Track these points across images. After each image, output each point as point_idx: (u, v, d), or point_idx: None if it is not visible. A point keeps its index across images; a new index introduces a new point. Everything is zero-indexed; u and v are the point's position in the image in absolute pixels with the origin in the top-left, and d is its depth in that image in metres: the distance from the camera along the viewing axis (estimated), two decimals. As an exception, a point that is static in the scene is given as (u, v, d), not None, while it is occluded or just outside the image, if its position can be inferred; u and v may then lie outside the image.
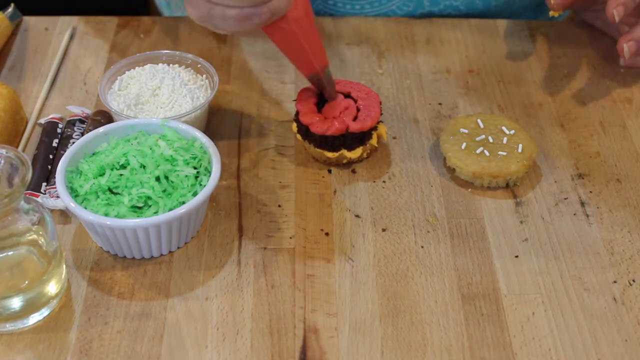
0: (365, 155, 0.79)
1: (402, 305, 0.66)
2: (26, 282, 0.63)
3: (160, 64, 0.82)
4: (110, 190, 0.68)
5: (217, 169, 0.69)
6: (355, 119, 0.76)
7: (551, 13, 0.86)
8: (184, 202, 0.67)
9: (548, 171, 0.78)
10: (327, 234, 0.72)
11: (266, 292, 0.67)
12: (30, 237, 0.64)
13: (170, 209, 0.66)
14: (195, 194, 0.68)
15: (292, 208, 0.74)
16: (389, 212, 0.74)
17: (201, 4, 0.68)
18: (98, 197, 0.67)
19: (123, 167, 0.69)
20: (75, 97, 0.86)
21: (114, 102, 0.78)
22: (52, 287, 0.65)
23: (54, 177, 0.70)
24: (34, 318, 0.65)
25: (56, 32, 0.94)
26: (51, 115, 0.81)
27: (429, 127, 0.83)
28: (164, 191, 0.67)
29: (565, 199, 0.76)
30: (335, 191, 0.76)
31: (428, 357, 0.63)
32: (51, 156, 0.77)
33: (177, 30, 0.95)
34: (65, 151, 0.72)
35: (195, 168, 0.69)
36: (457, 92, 0.88)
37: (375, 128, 0.78)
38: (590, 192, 0.76)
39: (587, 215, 0.74)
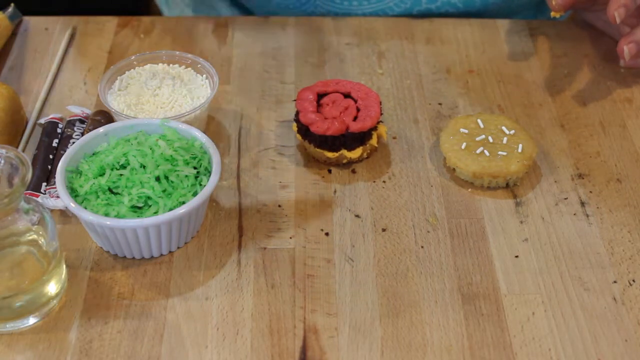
0: (365, 155, 0.79)
1: (402, 305, 0.66)
2: (26, 282, 0.63)
3: (160, 64, 0.82)
4: (110, 190, 0.68)
5: (217, 169, 0.69)
6: (355, 119, 0.76)
7: (552, 14, 0.86)
8: (184, 202, 0.67)
9: (548, 171, 0.78)
10: (327, 234, 0.72)
11: (266, 292, 0.67)
12: (30, 237, 0.64)
13: (170, 209, 0.66)
14: (195, 194, 0.68)
15: (292, 208, 0.74)
16: (389, 212, 0.74)
17: None
18: (98, 197, 0.67)
19: (123, 167, 0.69)
20: (75, 97, 0.86)
21: (114, 102, 0.78)
22: (52, 287, 0.65)
23: (54, 177, 0.70)
24: (34, 318, 0.65)
25: (56, 32, 0.94)
26: (51, 115, 0.81)
27: (429, 127, 0.83)
28: (164, 191, 0.67)
29: (565, 199, 0.76)
30: (335, 191, 0.76)
31: (428, 357, 0.63)
32: (51, 156, 0.77)
33: (177, 30, 0.95)
34: (65, 151, 0.72)
35: (195, 168, 0.69)
36: (457, 92, 0.88)
37: (375, 128, 0.78)
38: (590, 192, 0.77)
39: (587, 215, 0.74)
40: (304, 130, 0.77)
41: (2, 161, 0.61)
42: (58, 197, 0.71)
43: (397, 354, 0.63)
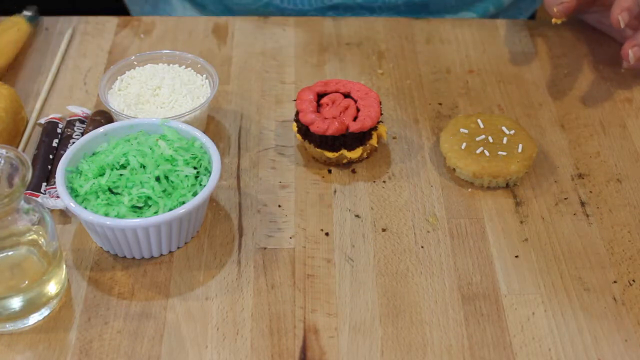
0: (365, 155, 0.79)
1: (402, 305, 0.66)
2: (26, 282, 0.63)
3: (160, 64, 0.82)
4: (110, 190, 0.68)
5: (217, 169, 0.69)
6: (355, 119, 0.76)
7: (554, 21, 0.87)
8: (184, 202, 0.67)
9: (548, 171, 0.78)
10: (327, 234, 0.72)
11: (266, 292, 0.67)
12: (30, 237, 0.64)
13: (170, 209, 0.66)
14: (195, 194, 0.68)
15: (292, 208, 0.74)
16: (389, 212, 0.74)
17: None
18: (98, 197, 0.67)
19: (123, 167, 0.69)
20: (75, 97, 0.86)
21: (114, 102, 0.78)
22: (52, 287, 0.65)
23: (54, 177, 0.70)
24: (34, 318, 0.65)
25: (56, 32, 0.94)
26: (51, 115, 0.81)
27: (429, 127, 0.83)
28: (164, 191, 0.67)
29: (565, 199, 0.76)
30: (335, 191, 0.76)
31: (428, 357, 0.63)
32: (51, 156, 0.77)
33: (177, 30, 0.95)
34: (65, 151, 0.72)
35: (195, 168, 0.69)
36: (457, 92, 0.88)
37: (375, 128, 0.78)
38: (590, 192, 0.77)
39: (587, 215, 0.74)
40: (304, 130, 0.77)
41: (2, 161, 0.61)
42: (58, 197, 0.71)
43: (397, 354, 0.63)
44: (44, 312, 0.65)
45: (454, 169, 0.77)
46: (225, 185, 0.76)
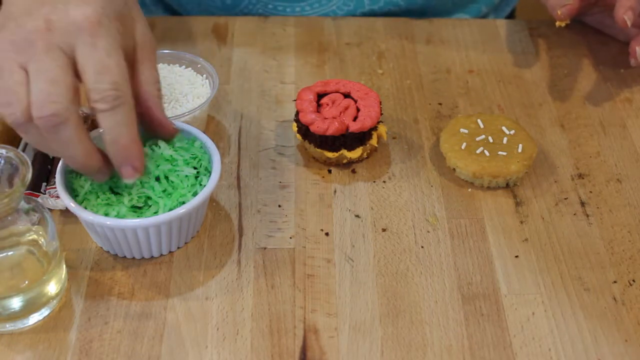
0: (365, 155, 0.79)
1: (402, 305, 0.66)
2: (26, 282, 0.63)
3: (160, 64, 0.82)
4: (110, 190, 0.67)
5: (217, 169, 0.69)
6: (355, 119, 0.76)
7: (557, 24, 0.87)
8: (184, 202, 0.67)
9: (548, 171, 0.78)
10: (327, 234, 0.72)
11: (266, 292, 0.67)
12: (30, 237, 0.64)
13: (170, 209, 0.66)
14: (195, 194, 0.68)
15: (292, 208, 0.74)
16: (389, 212, 0.74)
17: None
18: (98, 197, 0.67)
19: None
20: (75, 97, 0.86)
21: (114, 102, 0.78)
22: (52, 287, 0.65)
23: (54, 177, 0.70)
24: (34, 318, 0.65)
25: (56, 32, 0.94)
26: (51, 115, 0.81)
27: (429, 127, 0.83)
28: (164, 191, 0.67)
29: (565, 199, 0.76)
30: (335, 191, 0.76)
31: (428, 357, 0.63)
32: (51, 156, 0.77)
33: (177, 30, 0.95)
34: (65, 151, 0.72)
35: (195, 168, 0.69)
36: (457, 92, 0.88)
37: (375, 128, 0.78)
38: (590, 192, 0.77)
39: (587, 215, 0.74)
40: (304, 130, 0.77)
41: (2, 161, 0.61)
42: (58, 197, 0.71)
43: (397, 354, 0.63)
44: (44, 312, 0.65)
45: (454, 169, 0.77)
46: (225, 185, 0.76)
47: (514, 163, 0.75)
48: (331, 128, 0.75)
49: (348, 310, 0.66)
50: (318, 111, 0.77)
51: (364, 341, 0.64)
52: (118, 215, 0.66)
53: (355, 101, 0.78)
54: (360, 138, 0.77)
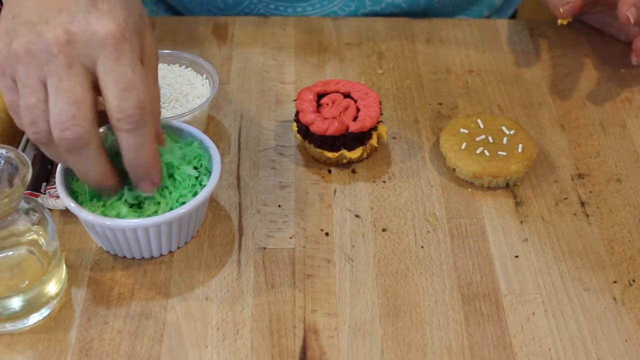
0: (365, 155, 0.79)
1: (402, 305, 0.66)
2: (26, 282, 0.63)
3: (160, 64, 0.82)
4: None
5: (217, 169, 0.69)
6: (355, 119, 0.76)
7: (560, 22, 0.86)
8: (184, 202, 0.67)
9: (548, 171, 0.78)
10: (327, 234, 0.72)
11: (266, 292, 0.67)
12: (30, 237, 0.64)
13: (171, 209, 0.66)
14: (195, 194, 0.68)
15: (292, 208, 0.74)
16: (389, 212, 0.74)
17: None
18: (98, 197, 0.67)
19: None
20: (75, 97, 0.86)
21: (114, 102, 0.78)
22: (52, 287, 0.65)
23: (54, 177, 0.70)
24: (34, 318, 0.65)
25: (56, 32, 0.94)
26: (51, 115, 0.81)
27: (429, 127, 0.83)
28: (164, 189, 0.67)
29: (565, 199, 0.76)
30: (335, 191, 0.76)
31: (428, 357, 0.63)
32: (51, 156, 0.77)
33: (177, 30, 0.95)
34: (65, 151, 0.72)
35: (195, 168, 0.69)
36: (457, 92, 0.88)
37: (375, 128, 0.78)
38: (590, 192, 0.77)
39: (587, 215, 0.74)
40: (304, 130, 0.77)
41: (2, 161, 0.61)
42: (58, 197, 0.71)
43: (397, 354, 0.63)
44: (44, 312, 0.65)
45: (454, 169, 0.77)
46: (225, 185, 0.76)
47: (514, 163, 0.75)
48: (331, 128, 0.75)
49: (348, 310, 0.66)
50: (318, 111, 0.77)
51: (364, 341, 0.64)
52: (118, 215, 0.66)
53: (355, 101, 0.78)
54: (360, 138, 0.77)
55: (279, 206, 0.75)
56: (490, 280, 0.69)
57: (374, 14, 0.99)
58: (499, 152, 0.76)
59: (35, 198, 0.68)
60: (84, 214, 0.65)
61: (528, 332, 0.65)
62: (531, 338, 0.64)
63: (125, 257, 0.69)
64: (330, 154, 0.77)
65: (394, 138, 0.82)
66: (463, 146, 0.77)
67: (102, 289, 0.67)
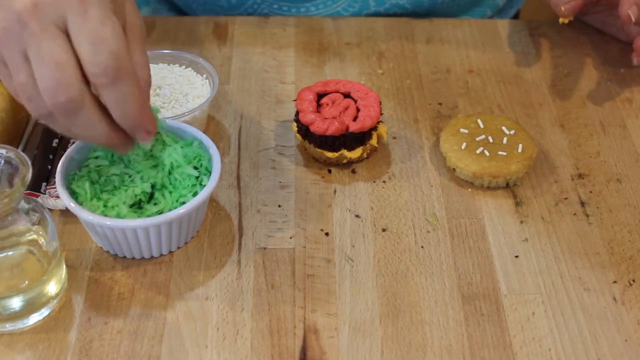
0: (365, 155, 0.79)
1: (402, 305, 0.66)
2: (26, 282, 0.63)
3: (160, 64, 0.82)
4: (109, 191, 0.68)
5: (217, 169, 0.69)
6: (355, 119, 0.76)
7: (561, 20, 0.86)
8: (184, 202, 0.67)
9: (548, 171, 0.78)
10: (327, 234, 0.72)
11: (266, 292, 0.67)
12: (30, 237, 0.64)
13: (170, 209, 0.66)
14: (195, 194, 0.68)
15: (292, 208, 0.74)
16: (389, 212, 0.74)
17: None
18: (98, 197, 0.67)
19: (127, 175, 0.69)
20: (75, 97, 0.86)
21: (114, 102, 0.78)
22: (52, 287, 0.65)
23: (54, 177, 0.70)
24: (34, 318, 0.65)
25: (56, 32, 0.94)
26: (51, 115, 0.81)
27: (429, 127, 0.83)
28: (164, 188, 0.67)
29: (565, 199, 0.76)
30: (335, 191, 0.76)
31: (428, 357, 0.63)
32: (51, 156, 0.77)
33: (177, 30, 0.95)
34: (65, 151, 0.72)
35: (195, 168, 0.69)
36: (457, 92, 0.88)
37: (375, 128, 0.78)
38: (590, 192, 0.77)
39: (587, 215, 0.74)
40: (304, 130, 0.77)
41: (2, 161, 0.61)
42: (58, 197, 0.71)
43: (397, 354, 0.63)
44: (44, 312, 0.65)
45: (454, 169, 0.77)
46: (225, 185, 0.76)
47: (514, 163, 0.75)
48: (331, 128, 0.75)
49: (348, 310, 0.66)
50: (318, 111, 0.77)
51: (364, 341, 0.64)
52: (118, 215, 0.66)
53: (355, 101, 0.78)
54: (360, 138, 0.77)
55: (279, 206, 0.75)
56: (490, 280, 0.69)
57: (378, 15, 0.98)
58: (499, 152, 0.76)
59: (35, 198, 0.68)
60: (84, 214, 0.65)
61: (528, 332, 0.65)
62: (531, 338, 0.64)
63: (125, 257, 0.69)
64: (330, 154, 0.77)
65: (394, 138, 0.82)
66: (463, 146, 0.77)
67: (102, 289, 0.67)
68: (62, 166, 0.69)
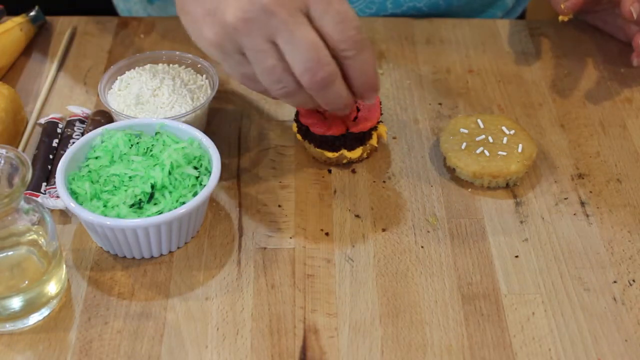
0: (365, 155, 0.79)
1: (402, 305, 0.66)
2: (26, 282, 0.63)
3: (160, 64, 0.82)
4: (109, 191, 0.68)
5: (217, 169, 0.69)
6: (355, 119, 0.76)
7: (560, 18, 0.86)
8: (184, 202, 0.67)
9: (548, 171, 0.78)
10: (327, 234, 0.72)
11: (266, 292, 0.67)
12: (30, 237, 0.64)
13: (170, 209, 0.66)
14: (195, 194, 0.68)
15: (292, 208, 0.74)
16: (389, 212, 0.74)
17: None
18: (98, 197, 0.67)
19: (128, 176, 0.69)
20: (75, 97, 0.86)
21: (114, 102, 0.78)
22: (52, 287, 0.65)
23: (54, 177, 0.70)
24: (34, 318, 0.65)
25: (56, 32, 0.94)
26: (51, 115, 0.81)
27: (429, 127, 0.83)
28: (164, 187, 0.67)
29: (565, 199, 0.76)
30: (335, 191, 0.76)
31: (428, 357, 0.63)
32: (51, 156, 0.77)
33: (177, 30, 0.95)
34: (65, 151, 0.72)
35: (195, 168, 0.69)
36: (457, 92, 0.88)
37: (375, 128, 0.78)
38: (590, 192, 0.77)
39: (587, 215, 0.74)
40: (304, 130, 0.77)
41: (2, 161, 0.61)
42: (58, 197, 0.71)
43: (397, 354, 0.63)
44: (44, 312, 0.65)
45: (454, 169, 0.77)
46: (225, 185, 0.76)
47: (514, 163, 0.75)
48: (331, 128, 0.75)
49: (348, 310, 0.66)
50: (318, 111, 0.77)
51: (364, 341, 0.64)
52: (118, 215, 0.66)
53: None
54: (360, 138, 0.77)
55: (279, 206, 0.75)
56: (490, 280, 0.69)
57: (395, 17, 0.98)
58: (499, 152, 0.76)
59: (35, 198, 0.68)
60: (84, 214, 0.65)
61: (528, 332, 0.65)
62: (531, 338, 0.64)
63: (125, 257, 0.69)
64: (330, 154, 0.77)
65: (394, 138, 0.82)
66: (463, 146, 0.77)
67: (102, 289, 0.67)
68: (62, 166, 0.69)
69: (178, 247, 0.70)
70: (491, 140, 0.77)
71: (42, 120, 0.81)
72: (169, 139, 0.71)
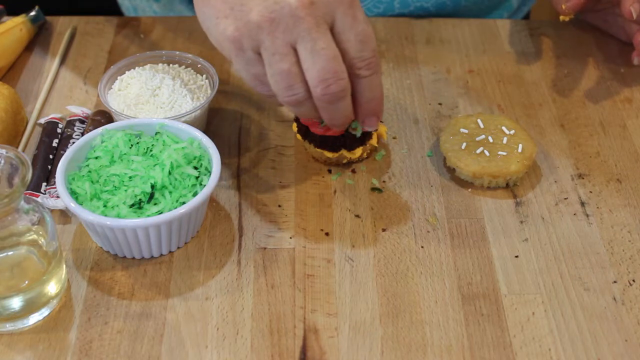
0: (365, 155, 0.79)
1: (402, 305, 0.66)
2: (26, 282, 0.63)
3: (160, 64, 0.82)
4: (109, 191, 0.68)
5: (217, 169, 0.69)
6: (355, 119, 0.76)
7: (561, 18, 0.86)
8: (184, 202, 0.67)
9: (548, 171, 0.78)
10: (327, 234, 0.72)
11: (266, 292, 0.67)
12: (30, 237, 0.64)
13: (170, 209, 0.66)
14: (195, 194, 0.68)
15: (292, 208, 0.74)
16: (389, 212, 0.74)
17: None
18: (98, 197, 0.67)
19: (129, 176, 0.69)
20: (75, 97, 0.86)
21: (114, 102, 0.78)
22: (52, 287, 0.65)
23: (54, 177, 0.70)
24: (34, 318, 0.65)
25: (56, 32, 0.94)
26: (51, 115, 0.81)
27: (429, 127, 0.83)
28: (164, 187, 0.67)
29: (565, 199, 0.76)
30: (335, 191, 0.76)
31: (428, 357, 0.63)
32: (51, 156, 0.77)
33: (177, 30, 0.95)
34: (65, 151, 0.72)
35: (195, 168, 0.69)
36: (457, 92, 0.88)
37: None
38: (590, 192, 0.77)
39: (587, 215, 0.74)
40: (304, 130, 0.77)
41: (2, 161, 0.61)
42: (58, 197, 0.71)
43: (397, 354, 0.63)
44: (44, 312, 0.65)
45: (454, 169, 0.77)
46: (225, 185, 0.76)
47: (514, 163, 0.75)
48: (331, 129, 0.75)
49: (348, 310, 0.66)
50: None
51: (364, 341, 0.64)
52: (118, 215, 0.66)
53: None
54: (360, 138, 0.77)
55: (279, 206, 0.75)
56: (490, 280, 0.69)
57: (402, 17, 0.98)
58: (499, 152, 0.76)
59: (35, 198, 0.68)
60: (84, 214, 0.65)
61: (528, 332, 0.65)
62: (531, 338, 0.64)
63: (125, 257, 0.69)
64: (330, 154, 0.77)
65: (394, 138, 0.82)
66: (463, 146, 0.77)
67: (102, 289, 0.67)
68: (62, 166, 0.69)
69: (178, 247, 0.70)
70: (491, 140, 0.77)
71: (42, 120, 0.81)
72: (169, 139, 0.71)
